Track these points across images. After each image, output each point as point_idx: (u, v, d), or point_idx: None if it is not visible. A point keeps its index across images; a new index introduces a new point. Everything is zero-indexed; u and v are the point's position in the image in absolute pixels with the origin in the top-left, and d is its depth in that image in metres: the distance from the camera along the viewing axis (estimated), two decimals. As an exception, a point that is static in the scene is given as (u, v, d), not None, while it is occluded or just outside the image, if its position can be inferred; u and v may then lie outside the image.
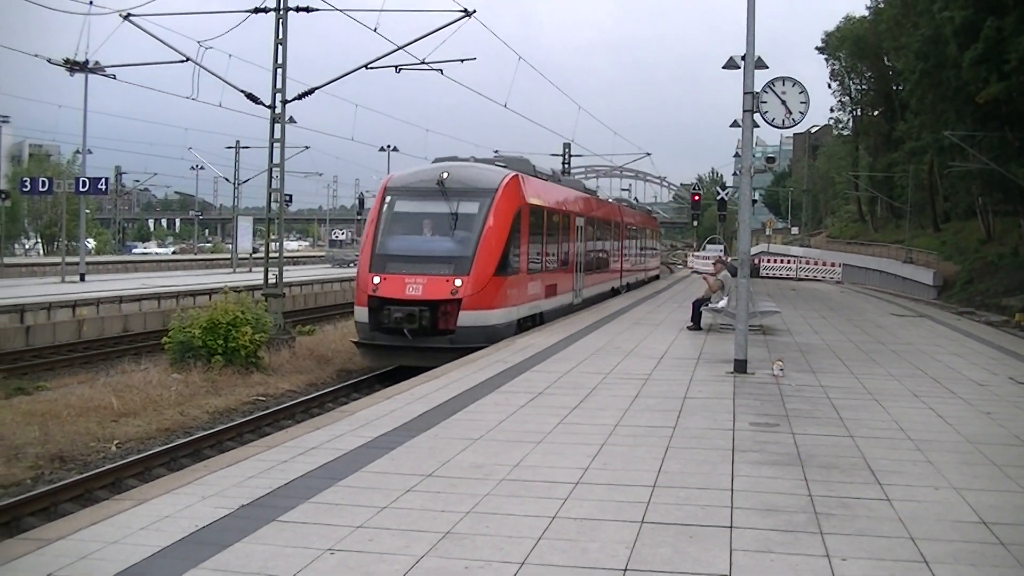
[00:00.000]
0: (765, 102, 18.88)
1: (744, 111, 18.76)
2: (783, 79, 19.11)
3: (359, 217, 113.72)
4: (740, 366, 18.59)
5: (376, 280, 24.35)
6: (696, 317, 27.55)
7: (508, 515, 8.86)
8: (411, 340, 23.68)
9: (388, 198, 26.38)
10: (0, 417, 18.49)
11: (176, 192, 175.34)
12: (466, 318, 23.84)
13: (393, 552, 7.83)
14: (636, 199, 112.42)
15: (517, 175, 27.32)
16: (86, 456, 16.87)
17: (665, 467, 10.83)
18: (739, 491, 9.78)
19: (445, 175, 25.81)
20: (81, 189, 49.70)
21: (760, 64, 18.91)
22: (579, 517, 8.81)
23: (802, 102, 19.03)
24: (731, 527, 8.55)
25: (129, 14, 27.94)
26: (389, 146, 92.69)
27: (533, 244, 28.37)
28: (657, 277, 67.13)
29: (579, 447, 11.79)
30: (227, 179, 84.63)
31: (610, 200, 53.67)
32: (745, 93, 18.62)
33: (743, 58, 18.82)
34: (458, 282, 23.92)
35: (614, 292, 45.27)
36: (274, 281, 29.94)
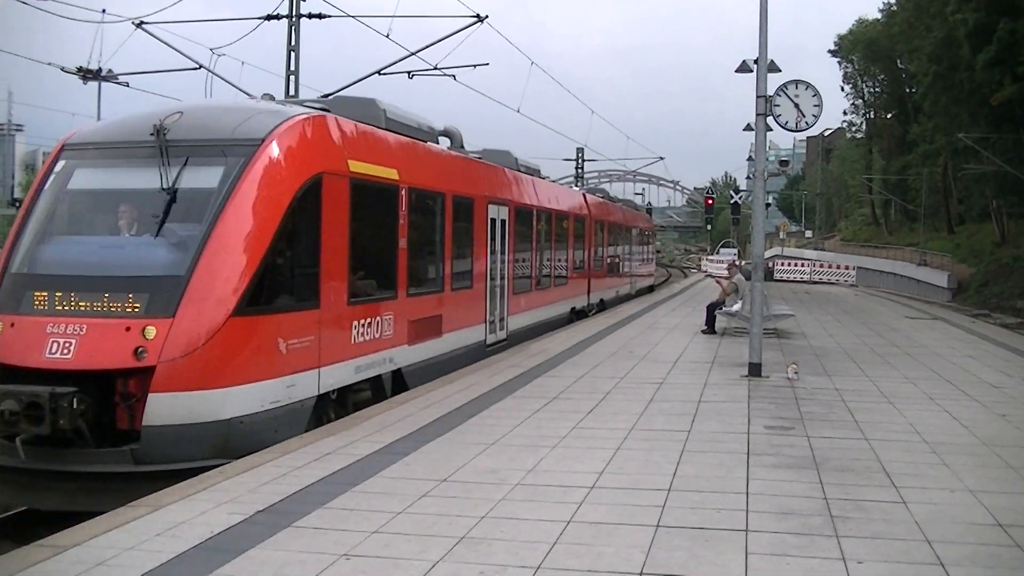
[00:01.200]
0: (778, 105, 18.84)
1: (757, 115, 18.75)
2: (796, 82, 19.06)
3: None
4: (755, 369, 18.55)
5: None
6: (710, 321, 27.54)
7: (523, 520, 8.86)
8: (28, 460, 11.53)
9: (61, 164, 14.39)
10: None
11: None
12: (165, 408, 11.87)
13: (409, 557, 7.83)
14: (650, 204, 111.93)
15: (318, 118, 14.90)
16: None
17: (680, 471, 10.82)
18: (754, 494, 9.78)
19: (175, 117, 13.86)
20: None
21: (773, 67, 18.90)
22: (594, 521, 8.80)
23: (815, 105, 18.99)
24: (746, 530, 8.55)
25: (142, 22, 28.03)
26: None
27: (367, 245, 16.05)
28: (651, 288, 56.62)
29: (594, 451, 11.79)
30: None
31: (574, 189, 42.37)
32: (758, 97, 18.61)
33: (755, 62, 18.82)
34: (150, 330, 11.98)
35: (577, 315, 33.39)
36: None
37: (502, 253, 23.80)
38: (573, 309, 32.92)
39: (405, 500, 9.51)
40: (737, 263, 32.83)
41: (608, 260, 40.87)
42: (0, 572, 7.45)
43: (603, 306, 38.22)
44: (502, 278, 23.84)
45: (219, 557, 7.83)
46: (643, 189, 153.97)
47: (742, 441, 12.53)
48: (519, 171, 27.52)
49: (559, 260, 31.18)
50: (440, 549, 8.01)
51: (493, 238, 23.12)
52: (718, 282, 31.85)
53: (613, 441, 12.40)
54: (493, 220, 23.11)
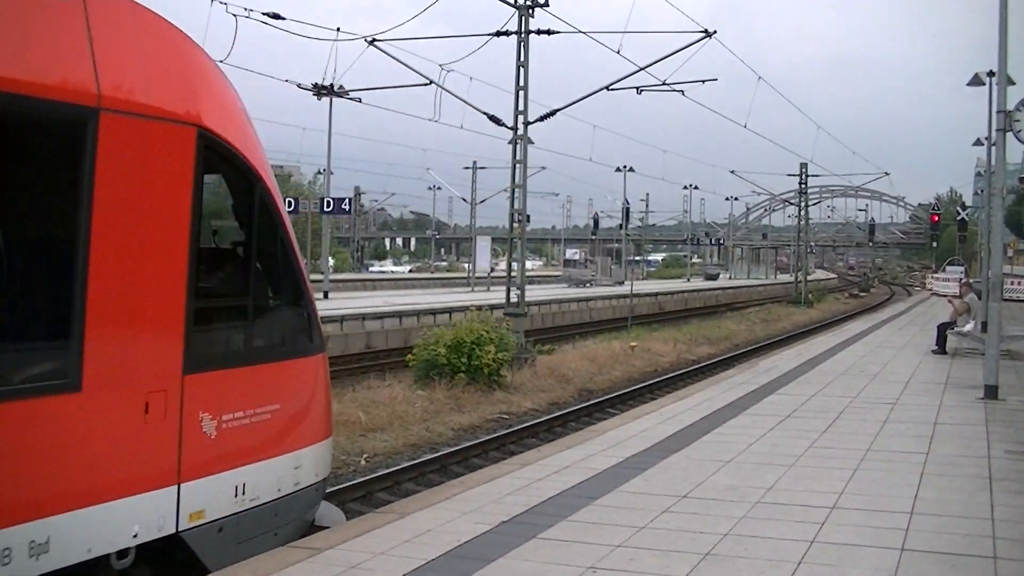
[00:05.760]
0: (1019, 120, 18.36)
1: (996, 130, 18.36)
2: (1039, 97, 18.54)
3: (593, 237, 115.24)
4: (991, 392, 18.11)
5: None
6: (941, 340, 26.96)
7: (766, 538, 8.89)
8: None
9: None
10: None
11: (411, 211, 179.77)
12: None
13: (654, 572, 7.94)
14: (873, 219, 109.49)
15: None
16: (336, 469, 17.47)
17: (921, 494, 10.70)
18: (1000, 520, 9.61)
19: None
20: (326, 209, 51.17)
21: (1009, 81, 18.45)
22: (838, 542, 8.78)
23: (1058, 121, 18.42)
24: (995, 558, 8.41)
25: (374, 39, 28.91)
26: (625, 166, 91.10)
27: None
28: None
29: (832, 471, 11.76)
30: (464, 199, 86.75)
31: None
32: (997, 112, 18.19)
33: (989, 74, 18.43)
34: None
35: None
36: (516, 300, 30.32)
37: None
38: None
39: (646, 515, 9.65)
40: (968, 281, 31.90)
41: None
42: (258, 571, 7.84)
43: None
44: None
45: (468, 565, 8.06)
46: (866, 205, 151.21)
47: (983, 465, 12.32)
48: None
49: None
50: (685, 565, 8.10)
51: None
52: (950, 301, 31.15)
53: (850, 461, 12.34)
54: None
